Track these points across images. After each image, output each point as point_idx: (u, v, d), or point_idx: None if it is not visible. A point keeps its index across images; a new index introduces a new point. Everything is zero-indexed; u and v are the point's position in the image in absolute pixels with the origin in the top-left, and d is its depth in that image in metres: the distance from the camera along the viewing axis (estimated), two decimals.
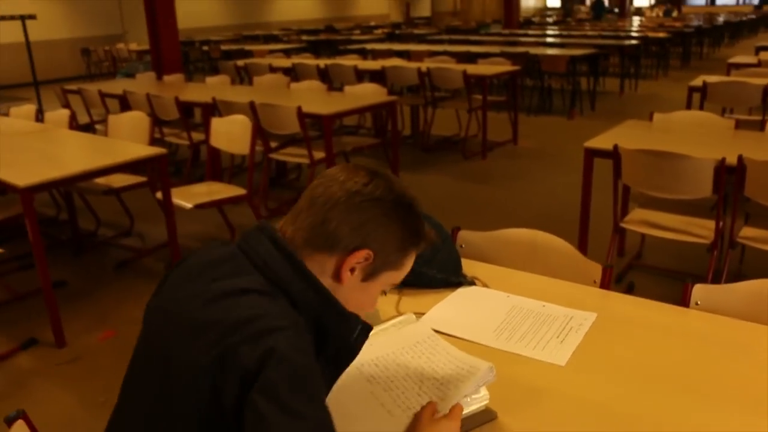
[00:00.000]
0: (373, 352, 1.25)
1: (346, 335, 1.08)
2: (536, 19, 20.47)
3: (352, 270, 1.06)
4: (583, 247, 3.28)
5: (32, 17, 8.22)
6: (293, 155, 4.67)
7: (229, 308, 0.96)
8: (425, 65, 6.44)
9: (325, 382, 1.05)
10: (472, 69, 6.16)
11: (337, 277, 1.06)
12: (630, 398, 1.13)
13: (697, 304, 1.46)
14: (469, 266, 1.66)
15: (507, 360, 1.26)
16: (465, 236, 1.82)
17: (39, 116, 5.01)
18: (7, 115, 5.19)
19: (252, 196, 3.90)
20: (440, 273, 1.55)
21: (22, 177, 2.84)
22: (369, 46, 9.77)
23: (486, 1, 25.66)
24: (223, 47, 12.45)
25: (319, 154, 4.39)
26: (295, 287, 1.02)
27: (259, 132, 4.55)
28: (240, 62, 8.20)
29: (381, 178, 1.08)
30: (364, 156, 5.84)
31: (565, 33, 12.77)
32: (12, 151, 3.57)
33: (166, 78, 6.92)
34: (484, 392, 1.11)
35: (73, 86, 6.43)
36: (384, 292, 1.16)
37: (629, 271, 3.59)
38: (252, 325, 0.93)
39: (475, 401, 1.09)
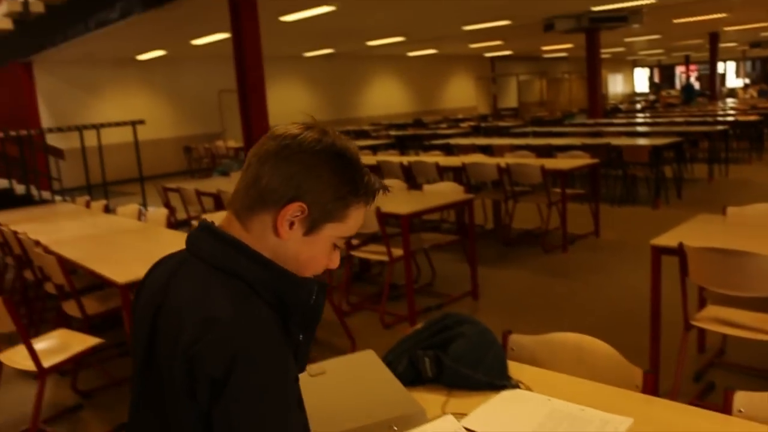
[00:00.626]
0: None
1: (305, 300, 1.10)
2: (623, 106, 20.43)
3: (291, 224, 1.09)
4: (655, 346, 3.25)
5: (141, 122, 8.99)
6: (373, 252, 4.86)
7: (191, 312, 1.03)
8: (504, 161, 6.61)
9: (300, 348, 1.11)
10: (550, 164, 6.28)
11: (276, 233, 1.08)
12: None
13: (740, 411, 1.49)
14: (517, 369, 1.75)
15: None
16: (516, 339, 1.91)
17: (141, 215, 5.47)
18: (114, 212, 5.69)
19: (332, 290, 4.10)
20: (486, 376, 1.65)
21: (122, 274, 3.14)
22: (453, 141, 10.08)
23: (572, 91, 25.91)
24: None
25: (397, 252, 4.56)
26: (244, 269, 1.06)
27: None
28: None
29: (313, 130, 1.12)
30: (442, 251, 5.98)
31: (650, 120, 12.73)
32: (115, 249, 3.94)
33: None
34: None
35: (173, 184, 6.97)
36: (336, 246, 1.16)
37: (710, 369, 3.51)
38: (212, 331, 0.99)
39: None
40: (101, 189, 8.59)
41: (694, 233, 3.12)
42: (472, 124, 15.85)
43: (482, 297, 5.00)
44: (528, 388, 1.65)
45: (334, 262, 1.18)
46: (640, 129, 10.75)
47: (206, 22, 10.77)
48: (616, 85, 33.41)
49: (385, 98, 22.22)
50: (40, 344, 3.18)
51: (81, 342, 3.26)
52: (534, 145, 8.28)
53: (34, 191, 9.21)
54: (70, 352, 3.15)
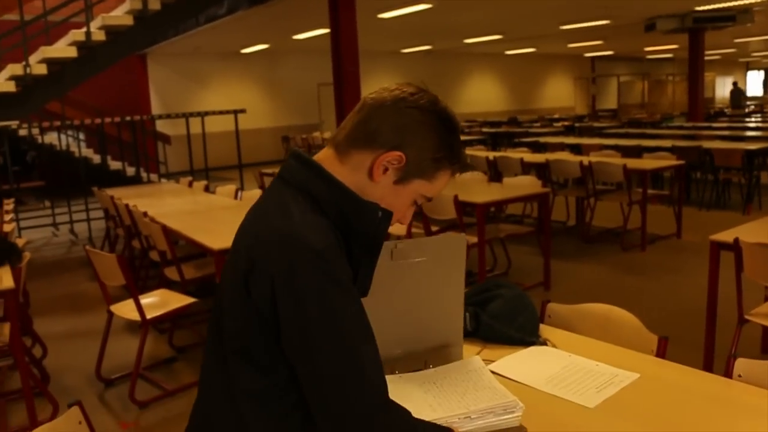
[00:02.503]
0: (434, 373, 1.61)
1: (368, 222, 1.18)
2: (729, 110, 19.67)
3: (386, 170, 1.17)
4: (709, 338, 3.34)
5: (242, 111, 9.54)
6: None
7: (257, 220, 1.18)
8: (587, 159, 6.68)
9: (362, 270, 1.21)
10: (632, 163, 6.31)
11: (370, 174, 1.17)
12: None
13: (739, 376, 1.65)
14: (549, 331, 1.96)
15: (545, 399, 1.56)
16: (552, 308, 2.12)
17: (237, 194, 5.93)
18: (213, 192, 6.19)
19: None
20: (517, 332, 1.88)
21: (217, 242, 3.52)
22: (543, 140, 10.13)
23: (676, 94, 25.09)
24: None
25: (472, 239, 4.78)
26: (313, 185, 1.16)
27: (422, 216, 5.07)
28: None
29: (428, 93, 1.20)
30: (520, 243, 6.14)
31: (753, 124, 12.30)
32: (212, 222, 4.36)
33: None
34: (518, 413, 1.42)
35: (269, 170, 7.43)
36: (416, 203, 1.26)
37: None
38: (274, 235, 1.10)
39: (508, 419, 1.41)
40: (203, 174, 9.19)
41: (754, 230, 3.19)
42: (566, 123, 15.74)
43: (554, 288, 5.15)
44: (554, 346, 1.86)
45: (407, 218, 1.27)
46: (738, 133, 10.46)
47: (307, 18, 11.25)
48: (725, 88, 32.05)
49: (482, 96, 22.28)
50: (144, 300, 3.61)
51: (178, 300, 3.68)
52: (623, 145, 8.27)
53: (143, 173, 9.96)
54: (168, 307, 3.57)
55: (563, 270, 5.64)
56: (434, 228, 5.28)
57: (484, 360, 1.75)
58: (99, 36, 7.12)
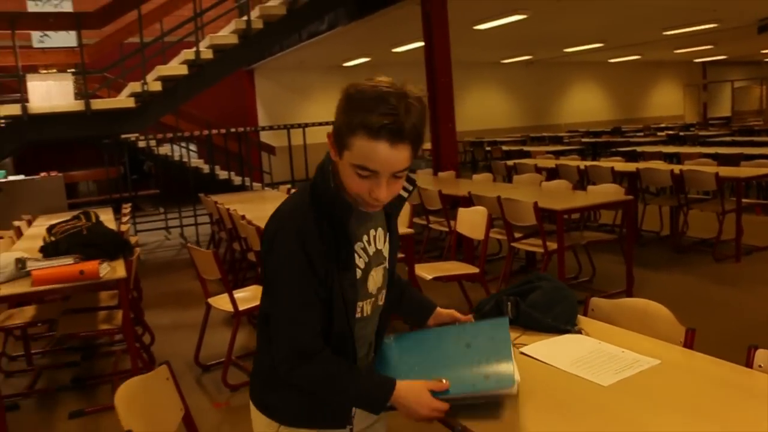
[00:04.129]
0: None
1: (328, 202, 1.46)
2: None
3: (334, 149, 1.43)
4: None
5: None
6: (531, 245, 5.21)
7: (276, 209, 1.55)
8: (678, 167, 6.60)
9: (343, 248, 1.47)
10: (727, 171, 6.19)
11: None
12: (644, 418, 1.54)
13: (759, 366, 1.75)
14: (587, 322, 2.11)
15: (563, 377, 1.73)
16: (595, 302, 2.26)
17: None
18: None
19: (483, 275, 4.53)
20: (553, 321, 2.04)
21: None
22: (640, 149, 9.97)
23: None
24: (504, 147, 13.46)
25: (552, 245, 4.88)
26: (315, 179, 1.50)
27: (504, 223, 5.22)
28: (510, 162, 9.01)
29: (371, 81, 1.39)
30: (608, 252, 6.15)
31: None
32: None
33: (441, 174, 7.93)
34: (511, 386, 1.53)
35: None
36: (360, 176, 1.40)
37: None
38: (272, 219, 1.51)
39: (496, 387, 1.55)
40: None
41: None
42: (671, 133, 15.30)
43: (636, 296, 5.14)
44: (587, 335, 2.01)
45: (375, 194, 1.41)
46: None
47: (405, 31, 11.56)
48: None
49: (584, 105, 21.91)
50: (237, 294, 3.97)
51: None
52: (722, 153, 8.06)
53: (248, 182, 10.56)
54: (259, 301, 3.90)
55: (649, 279, 5.62)
56: (517, 234, 5.41)
57: (520, 346, 1.93)
58: (207, 54, 7.68)
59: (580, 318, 2.14)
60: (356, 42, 12.85)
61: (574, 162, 8.28)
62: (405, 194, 1.58)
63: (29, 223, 6.44)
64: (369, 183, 1.40)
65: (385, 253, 1.64)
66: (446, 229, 6.23)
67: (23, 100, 7.27)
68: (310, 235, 1.43)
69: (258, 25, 7.79)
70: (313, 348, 1.48)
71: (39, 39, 9.36)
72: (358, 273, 1.54)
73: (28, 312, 4.29)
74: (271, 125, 11.77)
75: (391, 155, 1.35)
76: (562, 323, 2.04)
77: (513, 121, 20.31)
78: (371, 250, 1.58)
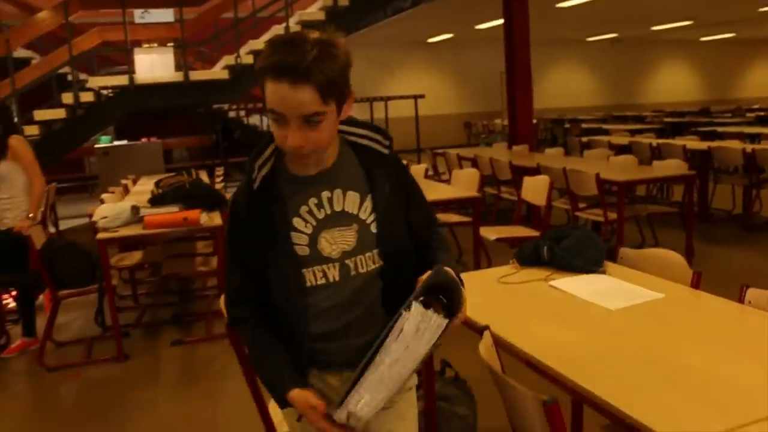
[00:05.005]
0: None
1: (259, 149, 1.50)
2: None
3: None
4: None
5: (422, 96, 10.31)
6: (594, 214, 5.48)
7: None
8: (751, 147, 6.66)
9: (271, 203, 1.48)
10: None
11: None
12: (639, 335, 1.89)
13: (749, 303, 2.05)
14: (613, 267, 2.45)
15: (580, 302, 2.09)
16: (624, 251, 2.59)
17: None
18: None
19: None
20: (582, 263, 2.39)
21: None
22: (721, 129, 9.91)
23: None
24: (584, 125, 13.50)
25: (613, 215, 5.14)
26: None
27: (569, 193, 5.51)
28: (585, 138, 9.17)
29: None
30: (674, 227, 6.33)
31: None
32: None
33: (515, 148, 8.21)
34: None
35: (440, 150, 8.15)
36: (277, 122, 1.38)
37: None
38: None
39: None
40: None
41: None
42: (761, 114, 14.89)
43: (696, 268, 5.34)
44: (610, 275, 2.35)
45: (288, 140, 1.37)
46: None
47: (488, 8, 11.73)
48: None
49: (672, 85, 21.44)
50: None
51: None
52: None
53: None
54: None
55: (712, 253, 5.78)
56: (581, 204, 5.67)
57: (550, 280, 2.30)
58: (296, 29, 8.19)
59: (609, 264, 2.48)
60: (440, 18, 13.12)
61: (646, 139, 8.37)
62: (383, 149, 1.58)
63: (134, 182, 7.14)
64: (283, 130, 1.38)
65: (363, 215, 1.51)
66: (515, 198, 6.54)
67: (130, 71, 7.97)
68: (239, 205, 1.52)
69: (344, 2, 8.23)
70: (237, 313, 1.59)
71: (140, 15, 10.06)
72: (302, 238, 1.48)
73: (136, 256, 4.92)
74: (354, 98, 12.20)
75: (292, 95, 1.32)
76: (590, 265, 2.39)
77: (596, 100, 20.13)
78: (321, 213, 1.49)
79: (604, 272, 2.38)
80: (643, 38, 19.14)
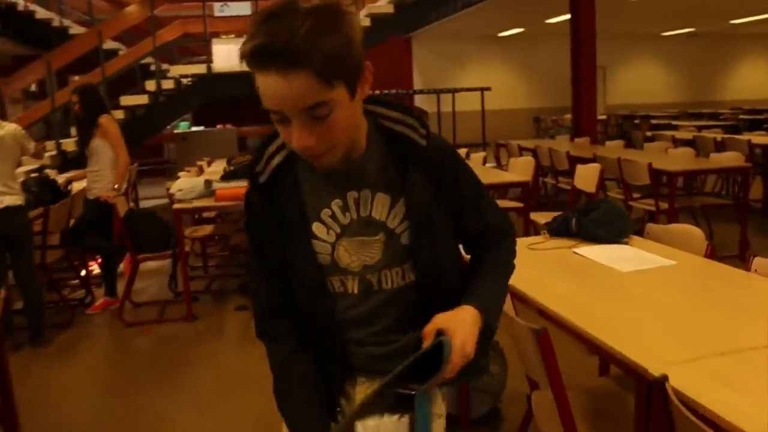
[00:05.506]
0: None
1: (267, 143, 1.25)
2: None
3: None
4: None
5: (488, 89, 10.46)
6: (645, 204, 5.56)
7: None
8: None
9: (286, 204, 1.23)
10: None
11: None
12: (646, 293, 2.09)
13: (756, 271, 2.21)
14: (639, 241, 2.63)
15: (596, 265, 2.30)
16: (650, 227, 2.76)
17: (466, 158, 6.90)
18: None
19: None
20: (606, 234, 2.58)
21: None
22: None
23: None
24: (654, 122, 13.34)
25: (664, 206, 5.23)
26: None
27: (623, 182, 5.62)
28: (649, 133, 9.17)
29: None
30: (727, 221, 6.34)
31: None
32: None
33: (577, 140, 8.30)
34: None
35: (503, 142, 8.33)
36: (277, 121, 1.10)
37: None
38: None
39: None
40: None
41: None
42: None
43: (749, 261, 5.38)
44: (631, 246, 2.54)
45: (294, 141, 1.09)
46: None
47: (557, 2, 11.78)
48: None
49: (752, 82, 20.73)
50: None
51: None
52: None
53: None
54: None
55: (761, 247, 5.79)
56: (635, 195, 5.76)
57: (575, 249, 2.50)
58: (365, 22, 8.48)
59: (634, 237, 2.66)
60: (510, 12, 13.20)
61: (711, 134, 8.31)
62: (420, 140, 1.24)
63: (209, 164, 7.60)
64: (287, 129, 1.10)
65: (392, 223, 1.25)
66: (569, 187, 6.67)
67: (208, 61, 8.46)
68: (251, 201, 1.28)
69: None
70: (267, 327, 1.35)
71: (220, 9, 10.56)
72: (323, 247, 1.25)
73: (207, 228, 5.33)
74: (422, 89, 12.42)
75: (284, 86, 1.03)
76: (614, 236, 2.59)
77: (672, 97, 19.69)
78: (346, 218, 1.25)
79: (627, 243, 2.57)
80: (721, 33, 18.63)
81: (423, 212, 1.24)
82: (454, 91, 10.49)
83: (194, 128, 10.84)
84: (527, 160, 5.87)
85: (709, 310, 1.88)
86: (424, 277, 1.27)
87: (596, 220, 2.64)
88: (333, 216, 1.24)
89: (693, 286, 2.11)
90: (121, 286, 4.76)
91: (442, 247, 1.29)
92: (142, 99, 8.37)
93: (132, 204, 7.65)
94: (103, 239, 4.57)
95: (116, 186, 4.58)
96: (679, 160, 5.78)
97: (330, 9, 1.05)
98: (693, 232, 2.60)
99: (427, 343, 1.18)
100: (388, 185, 1.24)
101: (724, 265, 2.28)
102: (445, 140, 1.32)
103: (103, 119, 4.57)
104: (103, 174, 4.61)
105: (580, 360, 2.80)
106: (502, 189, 5.45)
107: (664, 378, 1.39)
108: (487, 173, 5.38)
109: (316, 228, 1.24)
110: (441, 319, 1.20)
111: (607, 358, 1.78)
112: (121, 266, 5.17)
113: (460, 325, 1.19)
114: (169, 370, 3.73)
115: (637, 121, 14.43)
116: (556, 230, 2.73)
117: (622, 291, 2.08)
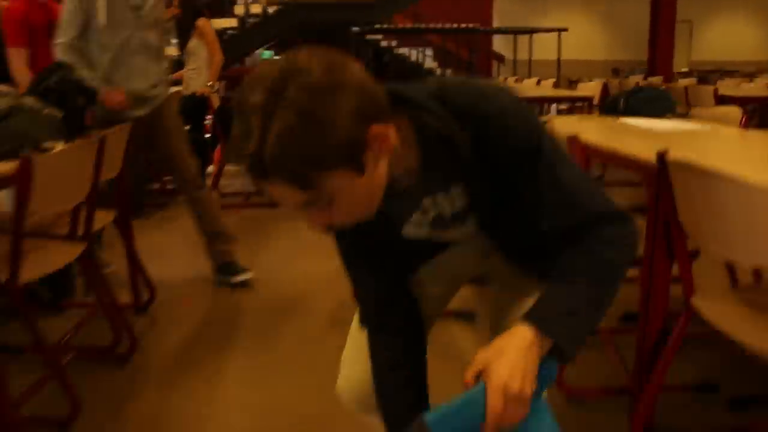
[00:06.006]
0: None
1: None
2: None
3: None
4: None
5: (564, 30, 10.44)
6: None
7: None
8: None
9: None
10: None
11: None
12: (675, 143, 2.36)
13: None
14: (679, 120, 2.88)
15: (636, 128, 2.58)
16: (696, 110, 3.01)
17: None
18: None
19: None
20: (651, 110, 2.85)
21: None
22: None
23: None
24: (732, 78, 13.04)
25: None
26: None
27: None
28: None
29: None
30: None
31: None
32: None
33: None
34: None
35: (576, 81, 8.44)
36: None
37: None
38: None
39: None
40: None
41: None
42: None
43: None
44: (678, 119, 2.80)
45: (309, 225, 0.99)
46: None
47: None
48: None
49: None
50: None
51: None
52: None
53: None
54: None
55: None
56: None
57: (625, 121, 2.78)
58: None
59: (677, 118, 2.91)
60: None
61: None
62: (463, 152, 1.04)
63: None
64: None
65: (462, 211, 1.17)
66: None
67: None
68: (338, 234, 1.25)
69: None
70: (376, 320, 1.28)
71: None
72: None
73: None
74: (499, 27, 12.37)
75: (272, 190, 0.91)
76: (657, 112, 2.85)
77: (761, 54, 18.96)
78: (426, 219, 1.19)
79: (669, 117, 2.84)
80: None
81: (487, 199, 1.12)
82: (531, 31, 10.51)
83: (277, 58, 11.26)
84: (595, 84, 6.05)
85: (737, 159, 2.14)
86: (503, 248, 1.24)
87: (642, 99, 2.90)
88: (417, 222, 1.19)
89: (717, 143, 2.36)
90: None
91: (519, 225, 1.15)
92: (232, 22, 8.84)
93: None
94: (195, 132, 5.06)
95: (210, 83, 5.05)
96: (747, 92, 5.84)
97: (307, 96, 0.85)
98: (733, 113, 2.84)
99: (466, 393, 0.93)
100: (457, 180, 1.11)
101: (756, 131, 2.51)
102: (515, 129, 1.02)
103: (201, 21, 5.02)
104: (199, 72, 5.09)
105: None
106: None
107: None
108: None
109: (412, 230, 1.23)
110: (480, 357, 0.96)
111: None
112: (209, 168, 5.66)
113: (497, 357, 0.94)
114: (251, 240, 4.21)
115: (721, 80, 14.10)
116: (607, 109, 3.01)
117: (655, 142, 2.35)
